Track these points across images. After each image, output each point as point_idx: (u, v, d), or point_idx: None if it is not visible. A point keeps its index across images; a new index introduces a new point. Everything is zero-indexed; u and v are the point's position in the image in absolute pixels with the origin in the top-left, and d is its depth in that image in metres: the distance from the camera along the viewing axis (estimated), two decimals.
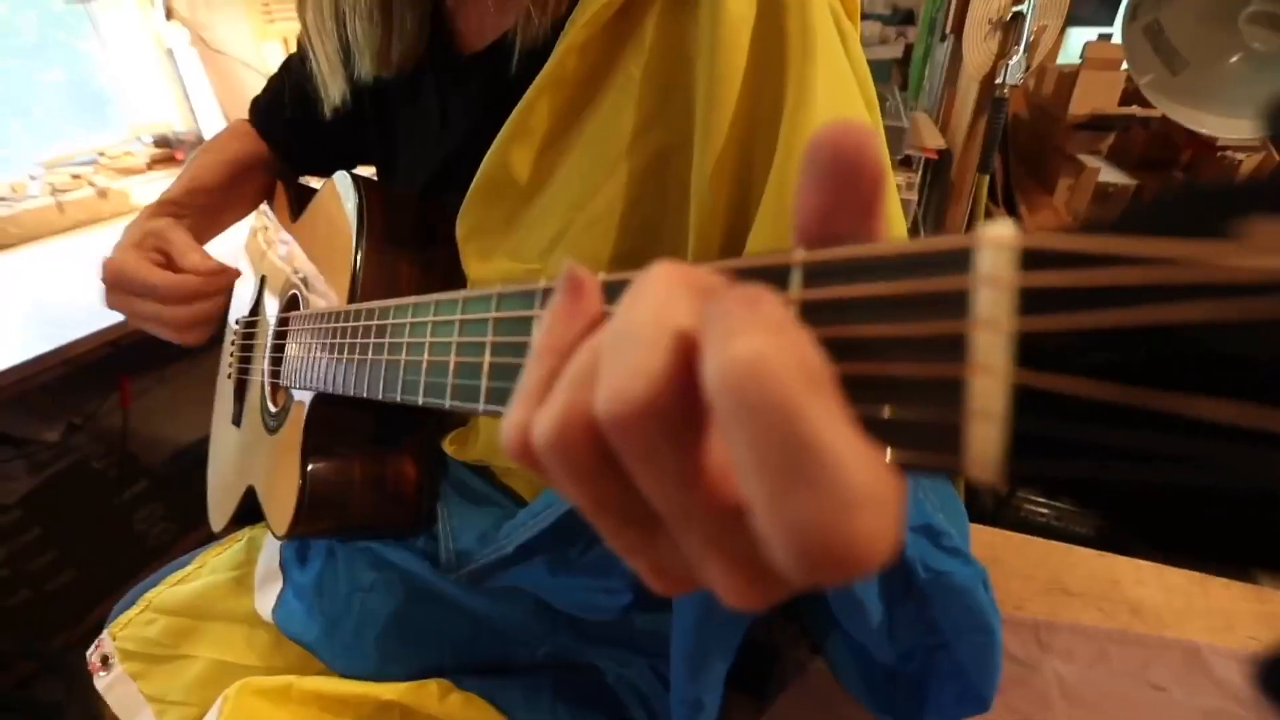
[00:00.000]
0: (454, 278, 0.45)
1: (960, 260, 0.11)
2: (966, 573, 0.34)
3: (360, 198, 0.44)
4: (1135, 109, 1.09)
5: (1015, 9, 0.72)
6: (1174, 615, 0.57)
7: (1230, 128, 0.53)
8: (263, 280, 0.63)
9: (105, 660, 0.52)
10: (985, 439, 0.10)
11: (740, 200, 0.34)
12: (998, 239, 0.10)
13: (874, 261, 0.12)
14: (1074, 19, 1.40)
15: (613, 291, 0.17)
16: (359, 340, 0.33)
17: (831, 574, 0.11)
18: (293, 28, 2.24)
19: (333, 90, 0.48)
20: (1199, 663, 0.52)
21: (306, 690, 0.44)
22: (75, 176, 1.89)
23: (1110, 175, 1.10)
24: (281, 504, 0.45)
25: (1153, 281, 0.09)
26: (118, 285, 0.50)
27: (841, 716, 0.48)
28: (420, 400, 0.27)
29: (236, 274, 0.54)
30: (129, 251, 0.50)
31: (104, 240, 1.77)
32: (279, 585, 0.51)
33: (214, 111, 2.21)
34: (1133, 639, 0.54)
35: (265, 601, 0.50)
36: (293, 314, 0.48)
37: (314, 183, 0.69)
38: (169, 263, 0.52)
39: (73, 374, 1.32)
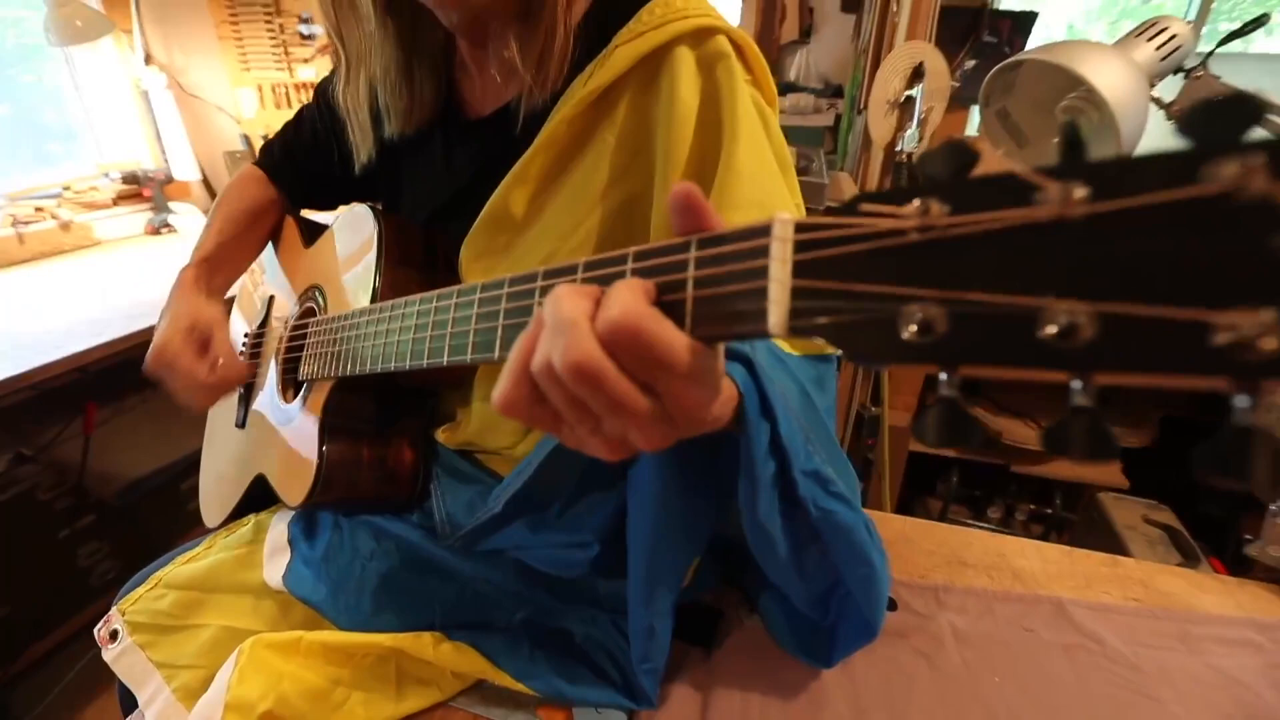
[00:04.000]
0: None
1: (764, 230, 0.22)
2: (850, 514, 0.44)
3: (379, 225, 0.53)
4: None
5: (907, 94, 0.89)
6: (1047, 578, 0.68)
7: None
8: (270, 300, 0.71)
9: (114, 635, 0.57)
10: (778, 315, 0.21)
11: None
12: (784, 219, 0.22)
13: (723, 235, 0.23)
14: (974, 99, 1.63)
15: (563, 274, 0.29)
16: (392, 325, 0.43)
17: (690, 421, 0.24)
18: (267, 76, 2.34)
19: (363, 151, 0.59)
20: (1063, 612, 0.63)
21: (314, 642, 0.51)
22: (38, 209, 1.90)
23: None
24: (298, 480, 0.53)
25: (844, 234, 0.20)
26: (164, 365, 0.58)
27: (772, 659, 0.57)
28: (445, 360, 0.37)
29: (253, 372, 0.62)
30: (177, 337, 0.58)
31: (65, 271, 1.78)
32: (287, 557, 0.57)
33: (185, 152, 2.27)
34: (1013, 597, 0.65)
35: (274, 571, 0.56)
36: (314, 319, 0.57)
37: (312, 214, 0.79)
38: (206, 348, 0.61)
39: (35, 400, 1.33)
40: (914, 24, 0.92)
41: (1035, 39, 1.71)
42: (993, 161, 1.05)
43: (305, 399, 0.57)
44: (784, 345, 0.44)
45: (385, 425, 0.57)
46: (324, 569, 0.55)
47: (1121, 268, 0.17)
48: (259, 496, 0.63)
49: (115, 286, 1.62)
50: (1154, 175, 0.17)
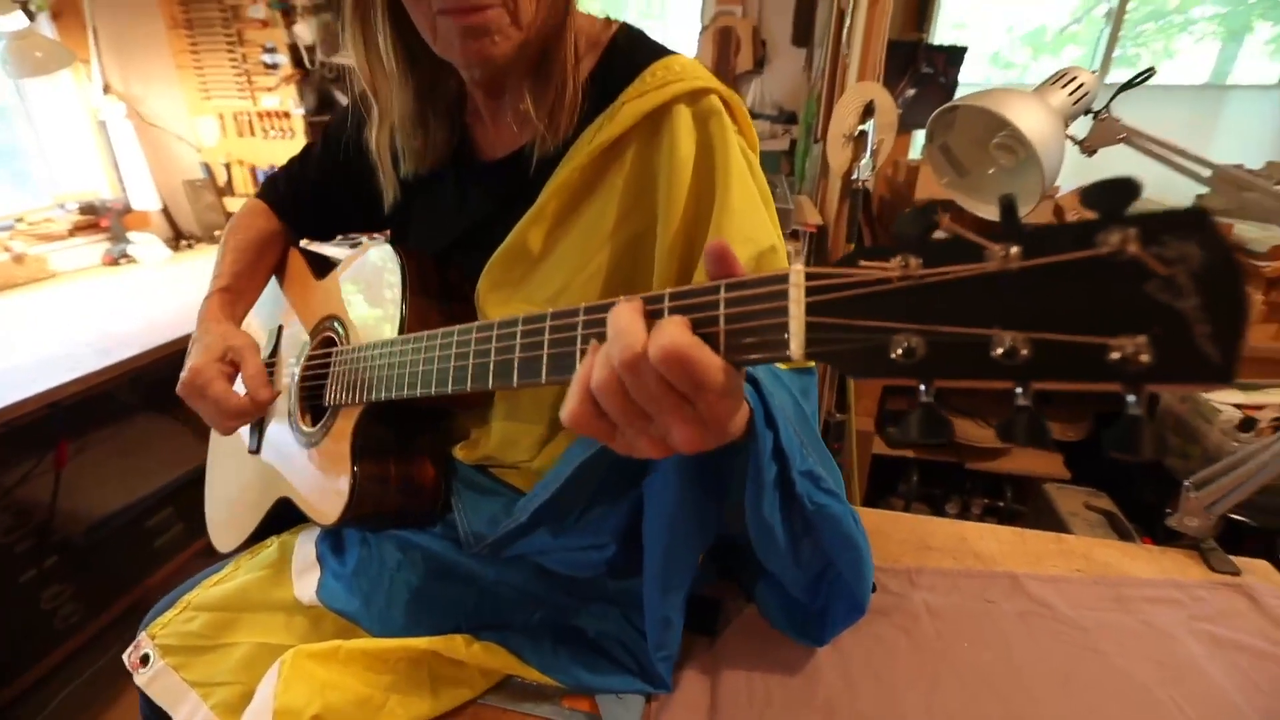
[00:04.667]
0: (467, 317, 0.59)
1: (781, 279, 0.28)
2: (839, 507, 0.51)
3: (401, 259, 0.58)
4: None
5: (860, 128, 0.99)
6: (1003, 557, 0.77)
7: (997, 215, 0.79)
8: (279, 331, 0.75)
9: (145, 659, 0.59)
10: (797, 344, 0.28)
11: (685, 265, 0.52)
12: (798, 269, 0.28)
13: (748, 281, 0.30)
14: (916, 125, 1.77)
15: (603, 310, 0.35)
16: (430, 353, 0.48)
17: (720, 423, 0.29)
18: (229, 105, 2.33)
19: (389, 192, 0.64)
20: (1018, 584, 0.72)
21: (352, 649, 0.54)
22: None
23: None
24: (332, 499, 0.57)
25: (845, 281, 0.27)
26: (195, 391, 0.61)
27: (770, 641, 0.63)
28: (490, 384, 0.42)
29: (277, 395, 0.67)
30: (211, 365, 0.62)
31: (22, 305, 1.73)
32: (317, 573, 0.60)
33: (145, 181, 2.23)
34: (974, 574, 0.74)
35: (305, 588, 0.60)
36: (337, 349, 0.61)
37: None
38: (237, 371, 0.64)
39: (3, 438, 1.29)
40: (864, 65, 1.03)
41: (966, 69, 1.86)
42: (936, 189, 1.15)
43: (330, 423, 0.61)
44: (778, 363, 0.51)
45: (409, 445, 0.61)
46: (355, 582, 0.59)
47: (1046, 306, 0.24)
48: (277, 519, 0.66)
49: (80, 319, 1.59)
50: (1066, 239, 0.24)
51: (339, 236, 0.83)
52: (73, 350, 1.43)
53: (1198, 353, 0.22)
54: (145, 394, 1.88)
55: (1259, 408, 1.34)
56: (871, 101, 0.98)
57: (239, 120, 2.35)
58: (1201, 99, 2.09)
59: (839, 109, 1.01)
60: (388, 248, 0.60)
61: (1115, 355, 0.23)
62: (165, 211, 2.31)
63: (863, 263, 0.27)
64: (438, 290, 0.59)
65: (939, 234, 0.27)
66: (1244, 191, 0.69)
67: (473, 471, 0.64)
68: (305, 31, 2.23)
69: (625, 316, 0.31)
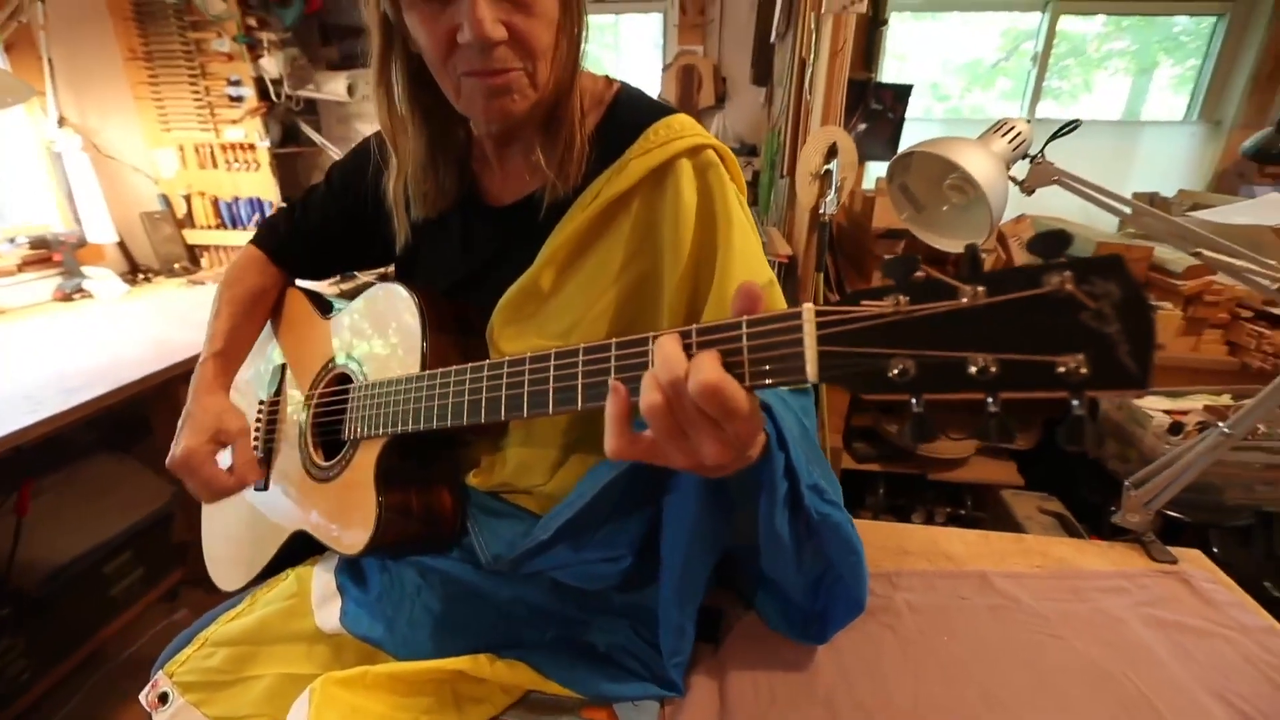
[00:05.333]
0: (478, 353, 0.63)
1: (795, 315, 0.34)
2: (840, 515, 0.57)
3: (418, 299, 0.62)
4: None
5: (825, 167, 1.09)
6: (971, 557, 0.84)
7: (953, 246, 0.88)
8: (282, 369, 0.77)
9: (164, 698, 0.59)
10: (812, 368, 0.34)
11: (692, 300, 0.58)
12: (809, 306, 0.34)
13: (766, 318, 0.36)
14: (868, 156, 1.90)
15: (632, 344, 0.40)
16: (459, 386, 0.52)
17: (745, 444, 0.36)
18: (190, 137, 2.31)
19: (401, 235, 0.67)
20: (987, 581, 0.79)
21: (379, 674, 0.57)
22: None
23: None
24: (356, 529, 0.59)
25: (849, 316, 0.33)
26: (186, 470, 0.65)
27: (770, 644, 0.68)
28: (525, 413, 0.46)
29: (265, 477, 0.72)
30: (203, 447, 0.66)
31: None
32: (339, 602, 0.62)
33: (101, 215, 2.18)
34: (948, 574, 0.80)
35: (328, 617, 0.61)
36: (355, 385, 0.64)
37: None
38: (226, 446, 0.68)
39: None
40: (827, 110, 1.13)
41: (912, 105, 2.02)
42: (892, 218, 1.24)
43: (350, 456, 0.63)
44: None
45: (427, 475, 0.64)
46: (378, 608, 0.61)
47: (1008, 333, 0.30)
48: (304, 546, 0.68)
49: (35, 357, 1.53)
50: (1019, 280, 0.31)
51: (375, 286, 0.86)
52: (31, 390, 1.39)
53: (1122, 366, 0.28)
54: (103, 433, 1.82)
55: (1185, 412, 1.47)
56: (835, 143, 1.08)
57: (200, 152, 2.33)
58: (1121, 133, 2.30)
59: (805, 150, 1.10)
60: (401, 287, 0.64)
61: (1061, 369, 0.29)
62: (121, 245, 2.26)
63: (864, 302, 0.33)
64: (453, 326, 0.63)
65: (919, 275, 0.34)
66: (1150, 220, 0.79)
67: (486, 497, 0.67)
68: (272, 65, 2.24)
69: (669, 346, 0.36)
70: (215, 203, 2.38)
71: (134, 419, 1.80)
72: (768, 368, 0.35)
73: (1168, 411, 1.48)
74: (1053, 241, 0.31)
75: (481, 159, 0.68)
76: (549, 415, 0.46)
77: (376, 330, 0.66)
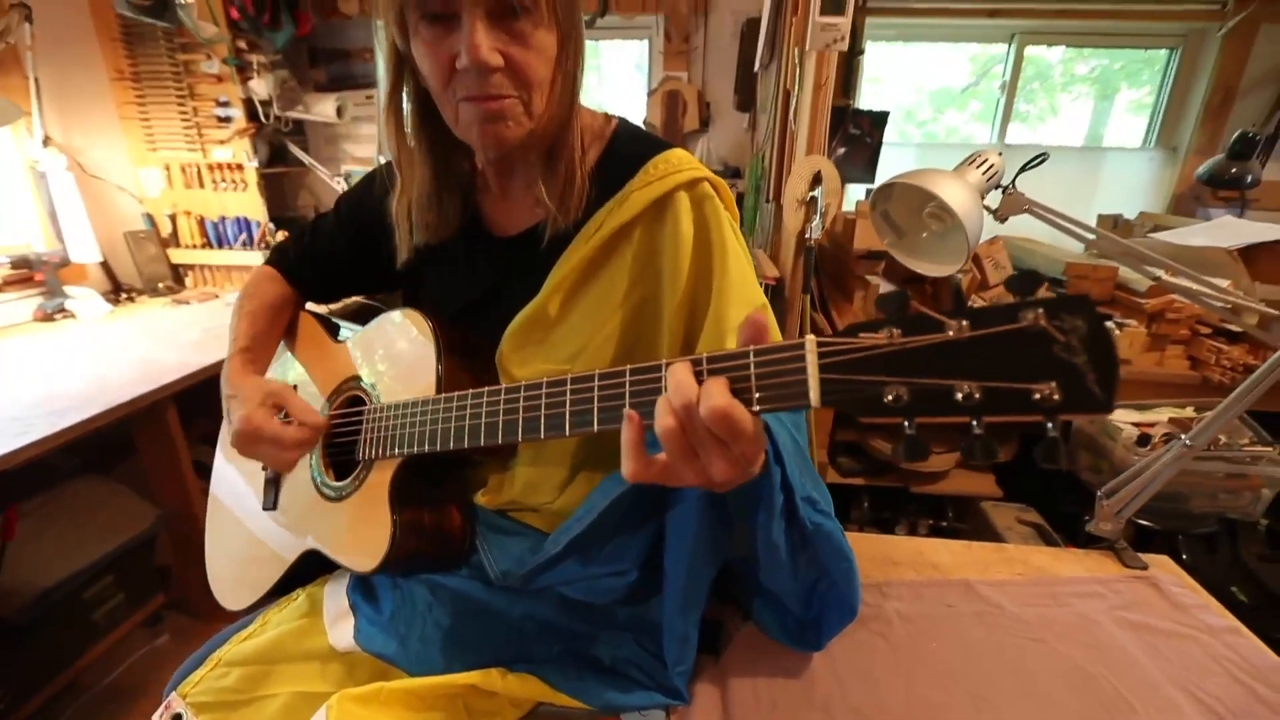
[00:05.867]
0: (486, 375, 0.66)
1: (799, 347, 0.38)
2: (832, 525, 0.60)
3: (432, 324, 0.65)
4: None
5: (811, 194, 1.14)
6: (956, 567, 0.88)
7: (932, 269, 0.93)
8: (293, 390, 0.78)
9: (178, 718, 0.60)
10: (815, 395, 0.37)
11: (689, 323, 0.62)
12: (811, 338, 0.38)
13: (771, 348, 0.39)
14: (847, 179, 1.97)
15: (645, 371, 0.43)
16: (476, 410, 0.54)
17: (750, 463, 0.39)
18: (176, 156, 2.31)
19: (402, 251, 0.70)
20: (971, 589, 0.82)
21: (394, 690, 0.58)
22: None
23: (887, 287, 1.58)
24: (369, 547, 0.61)
25: (848, 347, 0.36)
26: (251, 437, 0.65)
27: (768, 653, 0.71)
28: (543, 435, 0.49)
29: (329, 424, 0.71)
30: (258, 410, 0.66)
31: None
32: (352, 620, 0.64)
33: (86, 234, 2.16)
34: (935, 583, 0.84)
35: (341, 635, 0.63)
36: (370, 407, 0.66)
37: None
38: (281, 414, 0.68)
39: None
40: (811, 139, 1.18)
41: (888, 129, 2.10)
42: (872, 239, 1.29)
43: (364, 476, 0.65)
44: None
45: (439, 494, 0.66)
46: (392, 625, 0.63)
47: (990, 363, 0.34)
48: (315, 565, 0.69)
49: (18, 378, 1.52)
50: (999, 316, 0.35)
51: (344, 299, 0.88)
52: (19, 413, 1.37)
53: (1089, 392, 0.32)
54: (84, 454, 1.79)
55: (1152, 425, 1.54)
56: (819, 171, 1.13)
57: (186, 171, 2.33)
58: (1086, 159, 2.42)
59: (791, 179, 1.16)
60: (415, 313, 0.67)
61: (1037, 396, 0.33)
62: (104, 264, 2.24)
63: (861, 334, 0.37)
64: (463, 350, 0.66)
65: (910, 310, 0.37)
66: (1109, 244, 0.85)
67: (494, 516, 0.70)
68: (261, 87, 2.26)
69: (681, 373, 0.39)
70: (201, 222, 2.37)
71: (116, 439, 1.78)
72: (773, 393, 0.39)
73: (1136, 424, 1.55)
74: (1027, 281, 0.35)
75: (485, 190, 0.71)
76: (565, 436, 0.49)
77: (390, 354, 0.69)
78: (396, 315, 0.69)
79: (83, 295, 2.10)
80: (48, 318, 2.01)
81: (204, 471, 2.01)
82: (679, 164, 0.62)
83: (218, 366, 1.65)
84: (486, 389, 0.54)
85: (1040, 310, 0.33)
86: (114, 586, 1.86)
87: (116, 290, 2.28)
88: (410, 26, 0.56)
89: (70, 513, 1.75)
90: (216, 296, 2.28)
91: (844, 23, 1.02)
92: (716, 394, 0.38)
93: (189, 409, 1.66)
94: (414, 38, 0.56)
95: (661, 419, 0.39)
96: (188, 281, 2.44)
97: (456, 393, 0.57)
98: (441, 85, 0.57)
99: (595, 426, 0.46)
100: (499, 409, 0.53)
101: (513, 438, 0.52)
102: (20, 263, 2.04)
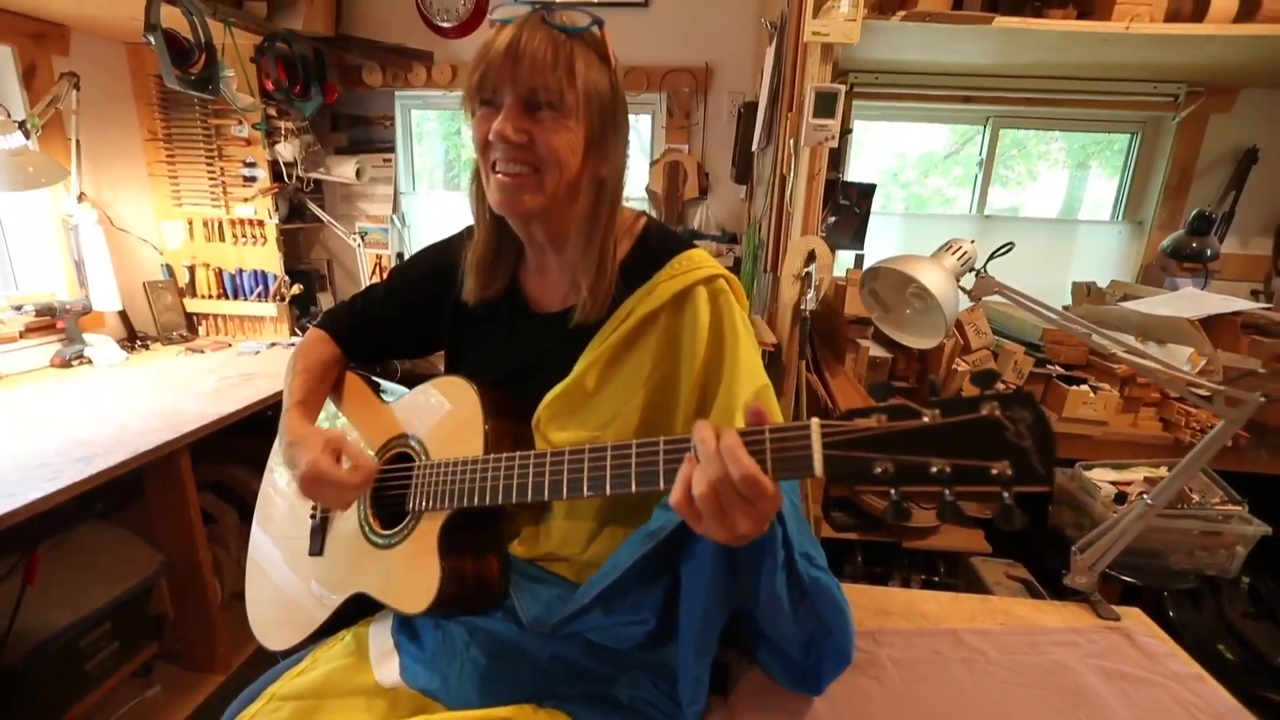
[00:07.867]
0: (525, 439, 0.74)
1: (806, 428, 0.47)
2: (827, 578, 0.68)
3: (479, 389, 0.73)
4: None
5: (806, 270, 1.27)
6: (944, 616, 0.95)
7: (916, 342, 1.04)
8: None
9: None
10: (819, 466, 0.46)
11: (703, 398, 0.71)
12: (815, 421, 0.47)
13: (783, 427, 0.49)
14: (837, 246, 2.11)
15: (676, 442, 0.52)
16: (525, 469, 0.62)
17: (764, 521, 0.49)
18: (200, 211, 2.43)
19: (472, 299, 0.80)
20: (958, 638, 0.89)
21: None
22: None
23: (876, 351, 1.69)
24: (419, 591, 0.68)
25: (845, 428, 0.46)
26: (318, 480, 0.72)
27: (772, 695, 0.77)
28: (585, 493, 0.57)
29: (380, 469, 0.78)
30: (322, 456, 0.72)
31: None
32: (396, 659, 0.70)
33: (109, 283, 2.24)
34: (924, 632, 0.91)
35: (388, 672, 0.69)
36: (419, 463, 0.74)
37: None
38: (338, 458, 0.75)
39: None
40: (806, 221, 1.32)
41: (875, 196, 2.26)
42: (859, 306, 1.41)
43: (413, 526, 0.72)
44: None
45: (480, 544, 0.73)
46: (433, 663, 0.69)
47: (956, 445, 0.43)
48: (362, 607, 0.75)
49: (39, 424, 1.56)
50: (964, 406, 0.44)
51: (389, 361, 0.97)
52: (47, 459, 1.42)
53: (1034, 470, 0.42)
54: (94, 500, 1.82)
55: (1129, 483, 1.63)
56: (813, 250, 1.26)
57: (209, 225, 2.44)
58: (1060, 230, 2.59)
59: (789, 256, 1.28)
60: (460, 379, 0.76)
61: (994, 471, 0.42)
62: (122, 313, 2.32)
63: (856, 420, 0.46)
64: (505, 414, 0.74)
65: (895, 401, 0.47)
66: (1072, 326, 0.96)
67: (527, 565, 0.77)
68: (287, 150, 2.41)
69: (712, 446, 0.48)
70: (219, 273, 2.47)
71: (126, 485, 1.81)
72: (788, 464, 0.48)
73: (1114, 482, 1.64)
74: (987, 378, 0.45)
75: (525, 267, 0.81)
76: (606, 495, 0.57)
77: (439, 415, 0.77)
78: (447, 380, 0.77)
79: (99, 342, 2.16)
80: (65, 364, 2.07)
81: (210, 520, 2.02)
82: (699, 262, 0.73)
83: (235, 416, 1.70)
84: (533, 452, 0.63)
85: (996, 404, 0.43)
86: (110, 635, 1.84)
87: (131, 338, 2.35)
88: (472, 108, 0.68)
89: (78, 558, 1.77)
90: (229, 345, 2.36)
91: (834, 124, 1.16)
92: (744, 461, 0.47)
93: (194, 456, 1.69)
94: (473, 117, 0.69)
95: (698, 485, 0.48)
96: (201, 330, 2.51)
97: (505, 454, 0.65)
98: (481, 155, 0.70)
99: (634, 488, 0.55)
100: (545, 469, 0.61)
101: (557, 496, 0.60)
102: (45, 310, 2.11)
